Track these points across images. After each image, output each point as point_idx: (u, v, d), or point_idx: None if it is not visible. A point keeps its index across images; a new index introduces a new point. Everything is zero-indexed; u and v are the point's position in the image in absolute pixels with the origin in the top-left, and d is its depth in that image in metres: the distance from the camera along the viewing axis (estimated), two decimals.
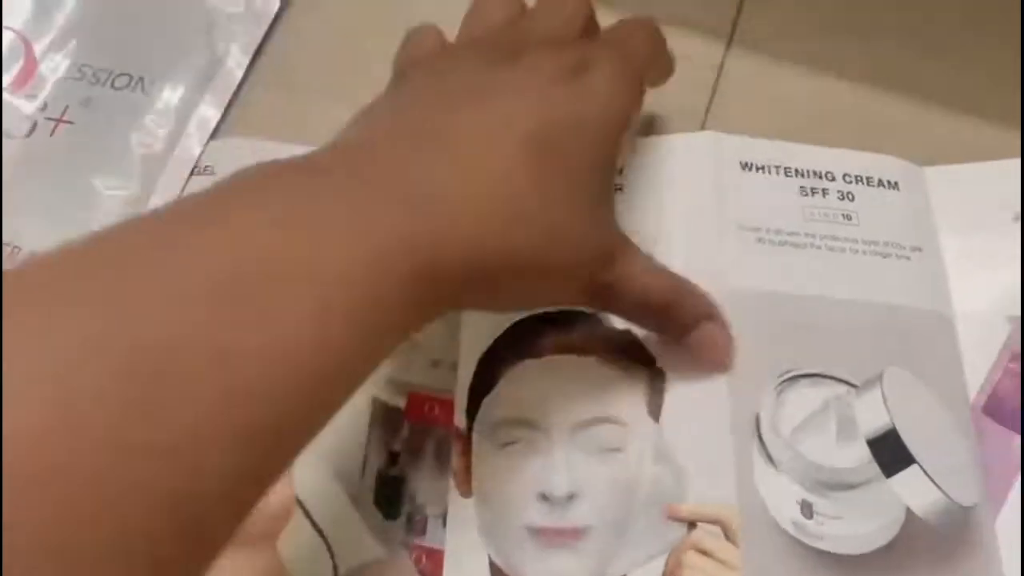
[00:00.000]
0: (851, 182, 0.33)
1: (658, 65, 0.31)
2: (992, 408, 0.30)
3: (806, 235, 0.31)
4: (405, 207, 0.21)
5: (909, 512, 0.27)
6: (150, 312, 0.16)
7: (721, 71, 0.37)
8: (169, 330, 0.16)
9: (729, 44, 0.37)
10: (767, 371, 0.29)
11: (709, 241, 0.31)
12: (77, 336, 0.15)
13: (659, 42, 0.30)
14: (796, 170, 0.33)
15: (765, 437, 0.28)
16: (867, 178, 0.33)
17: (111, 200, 0.35)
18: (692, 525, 0.27)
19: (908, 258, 0.32)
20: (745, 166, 0.32)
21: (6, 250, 0.33)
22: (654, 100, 0.33)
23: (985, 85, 0.35)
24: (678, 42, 0.35)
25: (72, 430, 0.14)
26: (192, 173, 0.35)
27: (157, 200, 0.35)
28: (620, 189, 0.32)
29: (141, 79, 0.38)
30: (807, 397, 0.28)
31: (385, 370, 0.30)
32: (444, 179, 0.22)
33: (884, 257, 0.32)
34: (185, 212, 0.19)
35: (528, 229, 0.23)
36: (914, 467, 0.27)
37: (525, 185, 0.23)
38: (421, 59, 0.27)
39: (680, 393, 0.28)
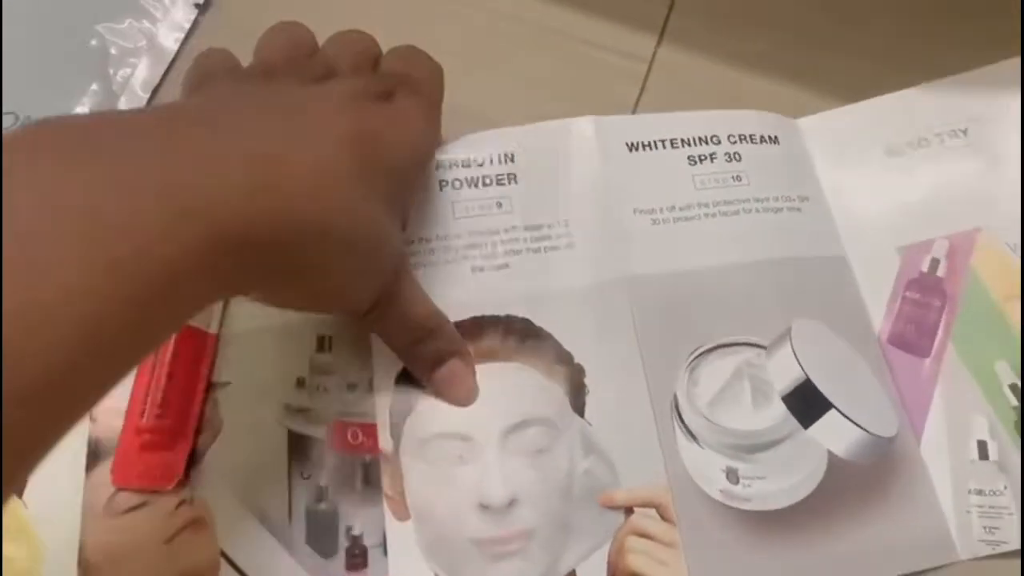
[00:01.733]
0: (735, 142, 0.33)
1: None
2: (896, 337, 0.32)
3: (699, 205, 0.32)
4: (216, 166, 0.20)
5: (832, 456, 0.28)
6: None
7: (652, 64, 0.37)
8: None
9: (660, 39, 0.38)
10: (678, 351, 0.29)
11: (608, 229, 0.31)
12: None
13: (441, 76, 0.30)
14: (682, 140, 0.33)
15: (684, 415, 0.28)
16: (750, 136, 0.34)
17: None
18: (629, 510, 0.28)
19: (799, 209, 0.33)
20: (631, 147, 0.33)
21: None
22: (587, 92, 0.34)
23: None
24: (611, 35, 0.37)
25: None
26: None
27: None
28: (514, 180, 0.32)
29: (29, 119, 0.35)
30: (719, 368, 0.29)
31: (300, 400, 0.29)
32: (269, 143, 0.22)
33: (776, 212, 0.32)
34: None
35: (346, 211, 0.23)
36: (832, 412, 0.29)
37: (348, 171, 0.23)
38: (220, 74, 0.27)
39: (601, 386, 0.29)
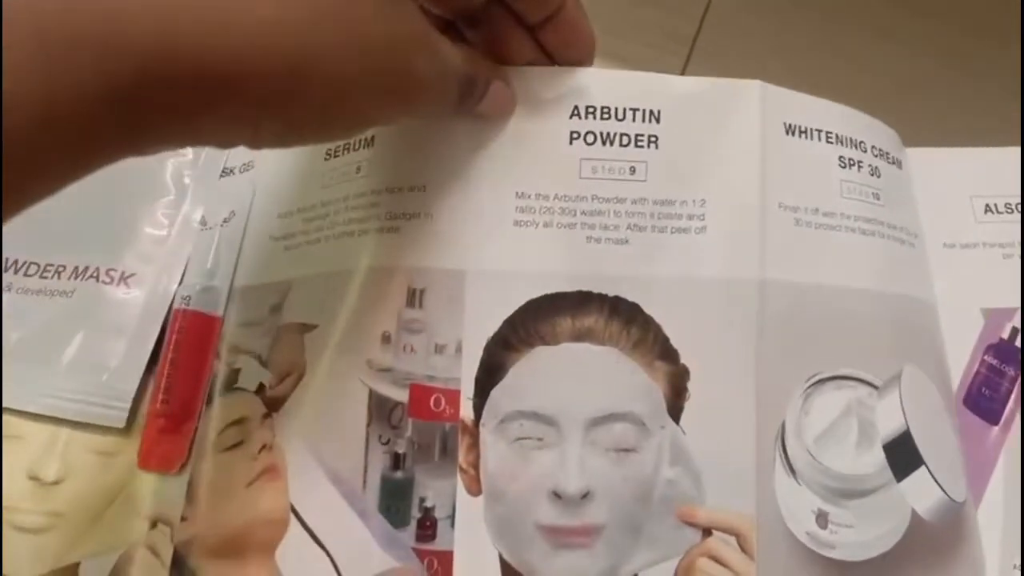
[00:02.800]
0: (877, 155, 0.31)
1: None
2: (970, 399, 0.30)
3: (842, 216, 0.29)
4: None
5: (914, 514, 0.27)
6: None
7: None
8: None
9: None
10: (797, 374, 0.27)
11: (748, 220, 0.27)
12: None
13: None
14: (837, 136, 0.30)
15: (788, 445, 0.26)
16: (886, 152, 0.31)
17: None
18: (707, 531, 0.25)
19: (913, 245, 0.31)
20: (789, 129, 0.29)
21: None
22: None
23: None
24: None
25: None
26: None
27: None
28: (654, 143, 0.28)
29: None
30: (831, 402, 0.27)
31: (384, 358, 0.26)
32: None
33: (901, 243, 0.30)
34: None
35: (285, 16, 0.19)
36: (922, 469, 0.27)
37: None
38: None
39: (704, 394, 0.26)
